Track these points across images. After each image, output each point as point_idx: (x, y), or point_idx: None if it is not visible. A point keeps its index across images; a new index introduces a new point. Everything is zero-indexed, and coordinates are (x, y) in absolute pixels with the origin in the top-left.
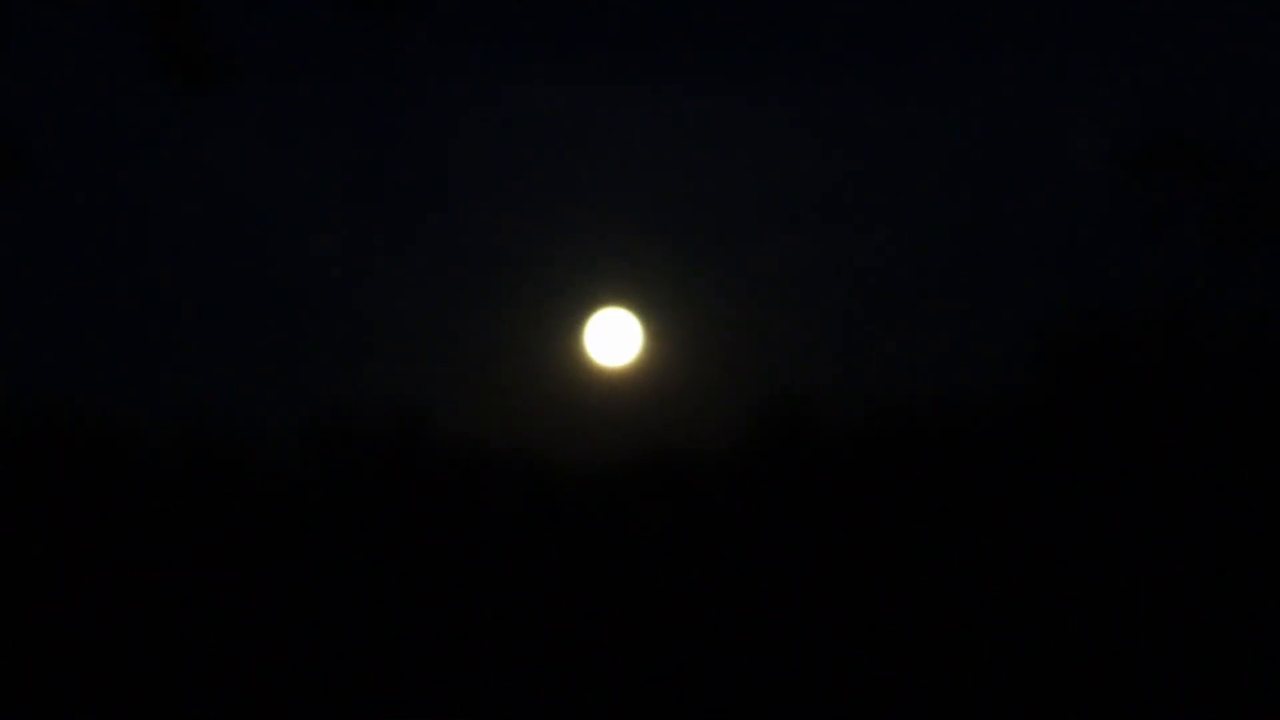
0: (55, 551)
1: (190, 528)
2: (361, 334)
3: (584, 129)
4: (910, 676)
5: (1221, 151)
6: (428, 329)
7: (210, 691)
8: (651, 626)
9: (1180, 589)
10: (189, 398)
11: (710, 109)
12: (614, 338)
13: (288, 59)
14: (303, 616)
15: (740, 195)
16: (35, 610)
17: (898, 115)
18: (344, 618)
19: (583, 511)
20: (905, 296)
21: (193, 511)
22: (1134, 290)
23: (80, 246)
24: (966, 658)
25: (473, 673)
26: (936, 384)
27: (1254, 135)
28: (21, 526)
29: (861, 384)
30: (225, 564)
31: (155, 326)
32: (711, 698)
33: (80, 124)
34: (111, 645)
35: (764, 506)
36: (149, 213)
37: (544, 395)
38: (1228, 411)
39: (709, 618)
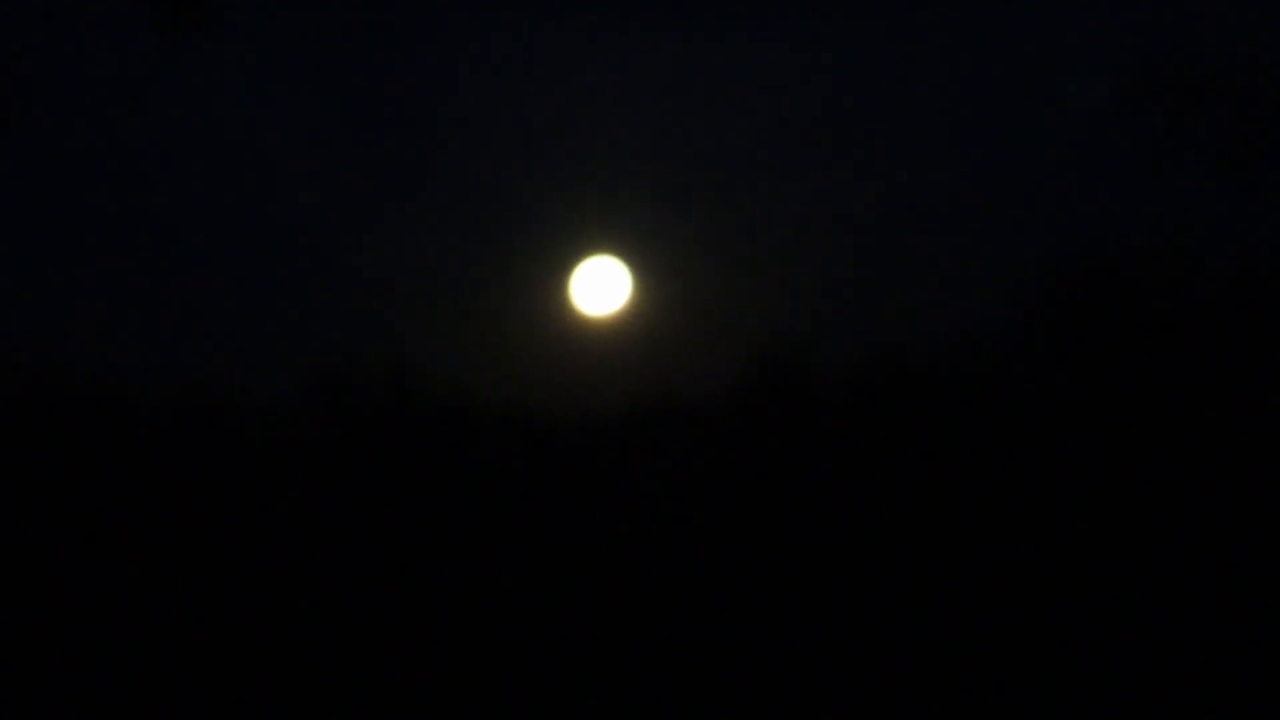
0: (50, 510)
1: (179, 483)
2: (345, 286)
3: (569, 74)
4: (911, 630)
5: (1226, 78)
6: (412, 280)
7: (205, 651)
8: (644, 579)
9: (1186, 540)
10: (173, 350)
11: (698, 51)
12: (602, 286)
13: (275, 5)
14: (296, 574)
15: (730, 138)
16: (33, 570)
17: (888, 52)
18: (336, 574)
19: (572, 461)
20: (901, 238)
21: (182, 467)
22: (1138, 225)
23: (69, 198)
24: (966, 610)
25: (465, 628)
26: (934, 326)
27: (1259, 60)
28: (15, 486)
29: (857, 328)
30: (215, 522)
31: (140, 278)
32: (707, 654)
33: (67, 72)
34: (109, 600)
35: (758, 454)
36: (136, 163)
37: (530, 345)
38: (1236, 349)
39: (704, 570)
